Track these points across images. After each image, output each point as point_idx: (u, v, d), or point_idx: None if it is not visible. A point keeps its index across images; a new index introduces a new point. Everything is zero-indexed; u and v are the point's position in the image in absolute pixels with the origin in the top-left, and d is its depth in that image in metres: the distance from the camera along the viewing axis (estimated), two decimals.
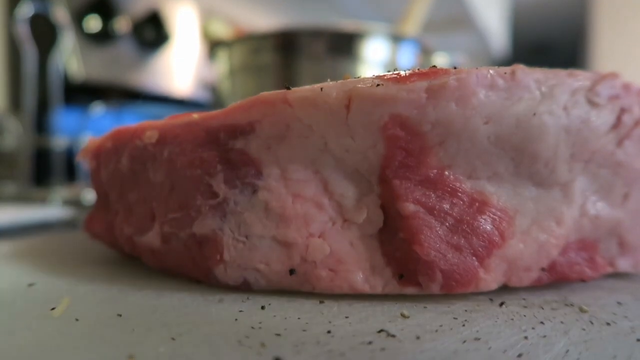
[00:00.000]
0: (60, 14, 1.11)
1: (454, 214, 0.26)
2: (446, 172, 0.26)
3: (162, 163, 0.28)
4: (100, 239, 0.35)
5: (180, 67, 1.65)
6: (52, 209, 0.79)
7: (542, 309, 0.25)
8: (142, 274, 0.31)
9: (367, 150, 0.25)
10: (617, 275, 0.30)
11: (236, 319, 0.23)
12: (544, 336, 0.21)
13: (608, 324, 0.23)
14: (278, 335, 0.21)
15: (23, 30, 1.02)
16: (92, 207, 0.37)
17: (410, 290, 0.26)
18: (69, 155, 1.16)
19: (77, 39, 1.30)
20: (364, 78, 0.25)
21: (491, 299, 0.26)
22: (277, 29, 0.70)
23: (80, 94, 1.34)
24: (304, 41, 0.68)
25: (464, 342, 0.21)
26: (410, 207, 0.25)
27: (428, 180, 0.25)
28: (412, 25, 0.82)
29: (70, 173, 1.17)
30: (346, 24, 0.69)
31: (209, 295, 0.27)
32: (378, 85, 0.25)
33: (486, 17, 2.78)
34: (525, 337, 0.21)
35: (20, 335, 0.21)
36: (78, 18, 1.33)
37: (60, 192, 0.99)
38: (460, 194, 0.26)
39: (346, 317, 0.23)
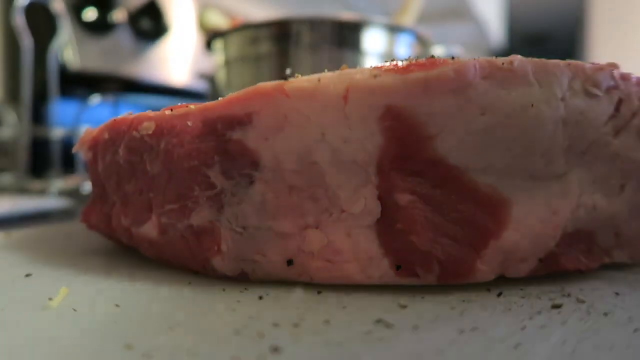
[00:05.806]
0: (58, 4, 1.10)
1: (451, 204, 0.26)
2: (443, 163, 0.26)
3: (159, 154, 0.28)
4: (97, 230, 0.35)
5: (177, 58, 1.64)
6: (49, 199, 0.79)
7: (540, 299, 0.25)
8: (139, 265, 0.31)
9: (365, 141, 0.25)
10: (615, 266, 0.30)
11: (234, 309, 0.23)
12: (542, 326, 0.21)
13: (605, 314, 0.23)
14: (276, 325, 0.21)
15: (20, 20, 1.01)
16: (90, 198, 0.37)
17: (407, 280, 0.26)
18: (67, 146, 1.15)
19: (73, 29, 1.29)
20: (362, 69, 0.25)
21: (488, 289, 0.26)
22: (274, 18, 0.69)
23: (77, 84, 1.33)
24: (301, 31, 0.68)
25: (462, 332, 0.21)
26: (407, 198, 0.25)
27: (425, 171, 0.25)
28: (410, 16, 0.82)
29: (68, 164, 1.16)
30: (344, 15, 0.69)
31: (206, 286, 0.27)
32: (375, 76, 0.24)
33: (483, 8, 2.77)
34: (523, 327, 0.21)
35: (17, 326, 0.21)
36: (75, 8, 1.31)
37: (58, 182, 0.99)
38: (457, 185, 0.26)
39: (344, 307, 0.24)
